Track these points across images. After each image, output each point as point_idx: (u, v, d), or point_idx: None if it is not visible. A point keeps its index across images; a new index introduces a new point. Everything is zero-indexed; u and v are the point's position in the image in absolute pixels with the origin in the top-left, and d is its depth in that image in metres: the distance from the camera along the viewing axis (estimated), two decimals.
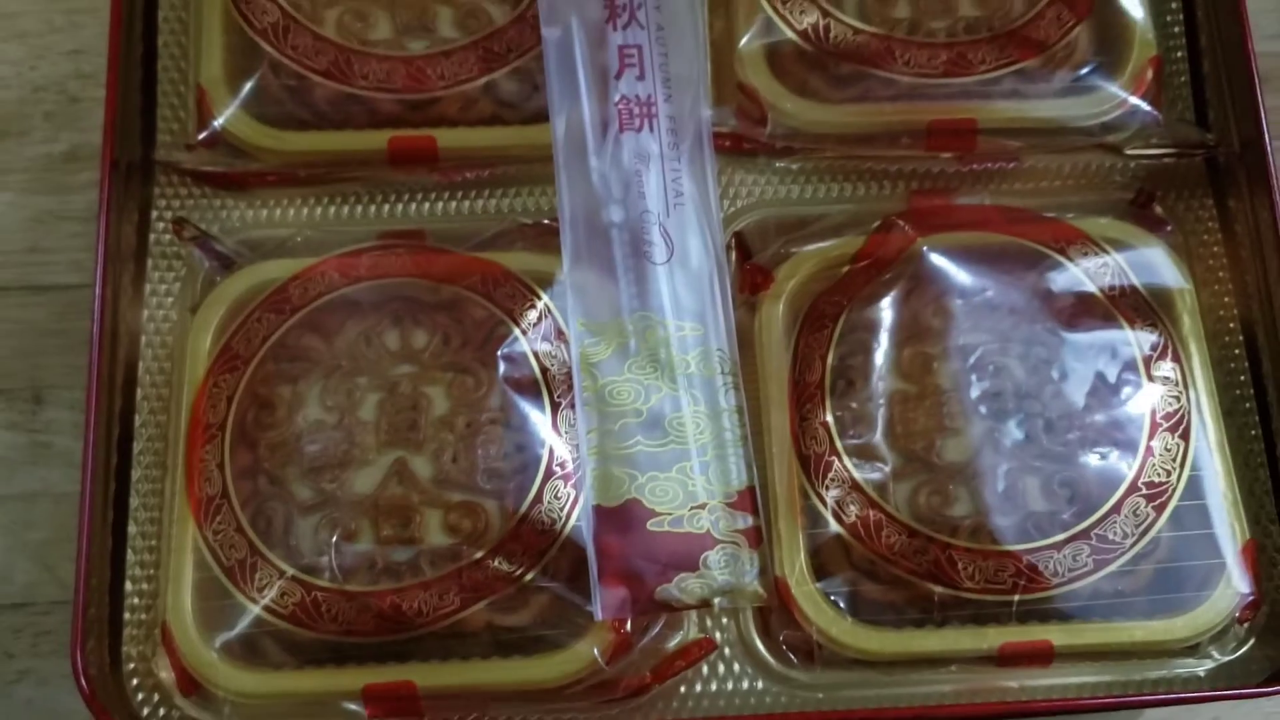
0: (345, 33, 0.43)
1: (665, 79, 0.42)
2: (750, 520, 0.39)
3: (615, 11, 0.42)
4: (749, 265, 0.43)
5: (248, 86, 0.42)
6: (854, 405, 0.40)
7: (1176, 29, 0.45)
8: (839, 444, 0.40)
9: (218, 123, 0.42)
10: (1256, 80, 0.42)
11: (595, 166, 0.42)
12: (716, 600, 0.39)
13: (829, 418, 0.40)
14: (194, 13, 0.44)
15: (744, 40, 0.44)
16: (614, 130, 0.42)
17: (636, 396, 0.40)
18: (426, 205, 0.44)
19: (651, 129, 0.42)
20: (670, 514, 0.39)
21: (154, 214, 0.44)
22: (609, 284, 0.41)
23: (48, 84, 0.51)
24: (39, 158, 0.50)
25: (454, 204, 0.44)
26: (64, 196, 0.49)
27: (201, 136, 0.42)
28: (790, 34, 0.43)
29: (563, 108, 0.42)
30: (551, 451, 0.39)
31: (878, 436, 0.40)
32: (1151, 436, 0.40)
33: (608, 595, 0.38)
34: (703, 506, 0.39)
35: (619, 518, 0.39)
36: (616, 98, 0.42)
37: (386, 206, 0.44)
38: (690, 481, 0.39)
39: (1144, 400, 0.40)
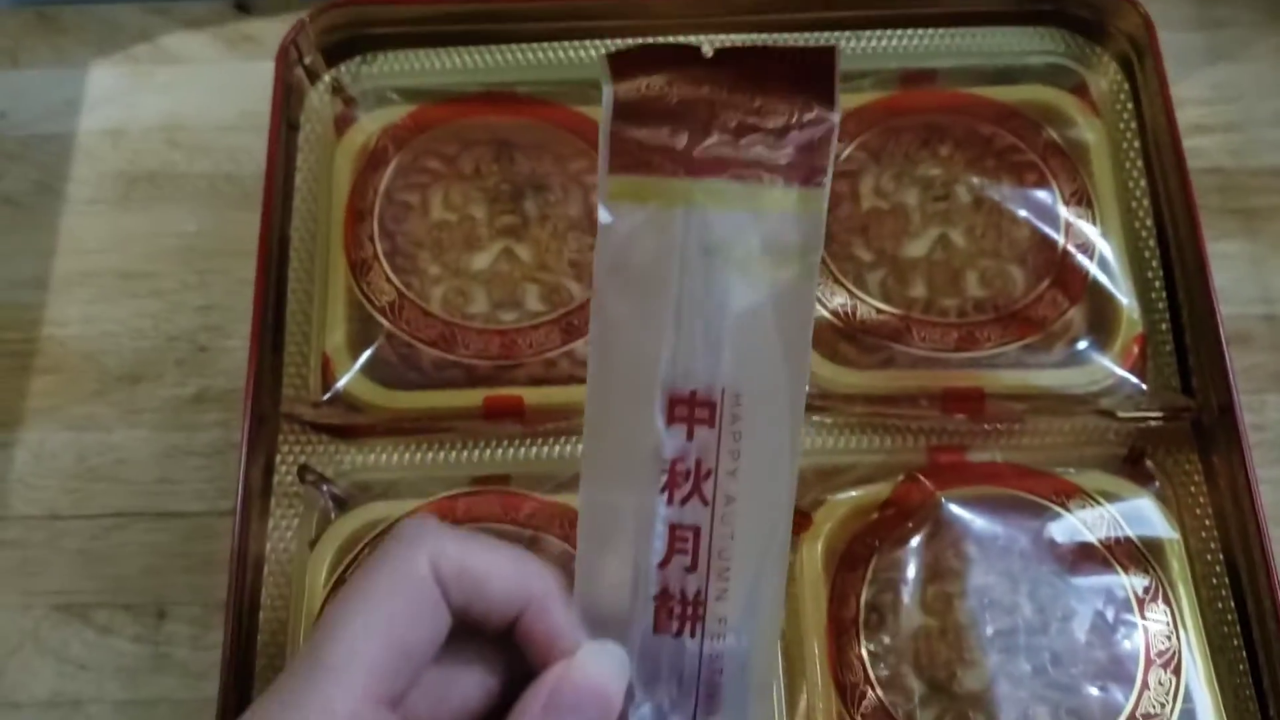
0: (449, 307, 0.50)
1: (724, 570, 0.32)
2: None
3: (674, 481, 0.32)
4: None
5: (367, 355, 0.50)
6: (885, 639, 0.46)
7: (1160, 305, 0.52)
8: (872, 674, 0.45)
9: (339, 385, 0.49)
10: (1226, 352, 0.48)
11: None
12: None
13: (863, 651, 0.46)
14: (319, 288, 0.51)
15: None
16: (645, 628, 0.33)
17: None
18: (512, 451, 0.51)
19: (693, 634, 0.32)
20: None
21: (278, 458, 0.51)
22: None
23: (180, 335, 0.57)
24: (170, 399, 0.56)
25: (535, 450, 0.51)
26: (190, 434, 0.55)
27: (325, 398, 0.50)
28: (823, 312, 0.51)
29: (592, 586, 0.33)
30: None
31: (906, 667, 0.46)
32: (1146, 671, 0.45)
33: None
34: None
35: None
36: (654, 590, 0.32)
37: (478, 452, 0.51)
38: None
39: (1138, 639, 0.45)
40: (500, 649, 0.33)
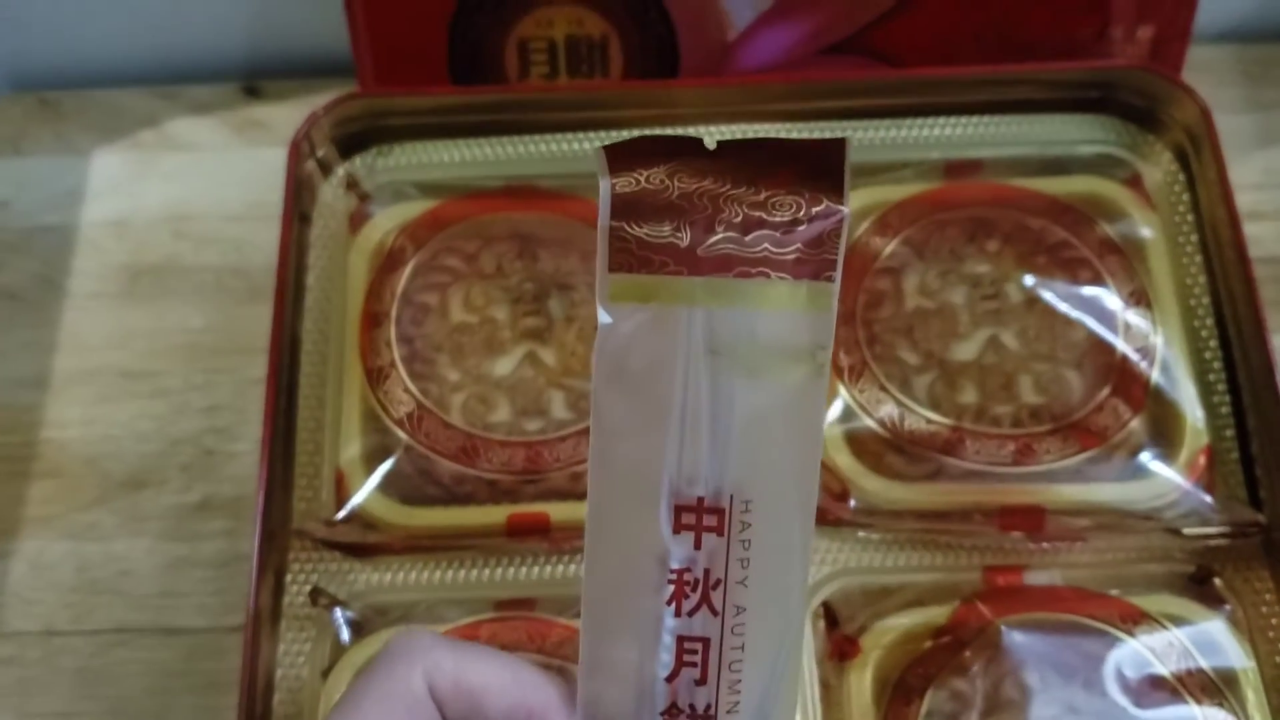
0: (471, 417, 0.48)
1: (734, 683, 0.30)
2: None
3: (681, 591, 0.30)
4: (837, 635, 0.46)
5: (383, 470, 0.47)
6: None
7: (1224, 410, 0.49)
8: None
9: (354, 502, 0.47)
10: None
11: None
12: None
13: None
14: (332, 397, 0.49)
15: (826, 423, 0.48)
16: None
17: None
18: (537, 569, 0.48)
19: None
20: None
21: (288, 577, 0.48)
22: None
23: (184, 438, 0.55)
24: (174, 507, 0.54)
25: (563, 569, 0.48)
26: (195, 544, 0.53)
27: (340, 516, 0.47)
28: (869, 421, 0.48)
29: (594, 696, 0.31)
30: None
31: None
32: None
33: None
34: None
35: None
36: (662, 706, 0.30)
37: (500, 571, 0.48)
38: None
39: None
40: None
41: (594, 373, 0.29)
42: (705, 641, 0.30)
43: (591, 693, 0.31)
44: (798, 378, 0.29)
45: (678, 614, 0.30)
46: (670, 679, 0.30)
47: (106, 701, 0.51)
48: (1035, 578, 0.47)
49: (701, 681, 0.30)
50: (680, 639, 0.30)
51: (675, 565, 0.30)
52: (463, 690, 0.30)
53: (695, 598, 0.30)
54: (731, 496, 0.30)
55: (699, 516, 0.30)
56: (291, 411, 0.50)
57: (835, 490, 0.48)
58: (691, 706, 0.30)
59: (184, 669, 0.51)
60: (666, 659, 0.30)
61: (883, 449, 0.48)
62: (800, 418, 0.29)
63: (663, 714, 0.30)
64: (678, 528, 0.30)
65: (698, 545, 0.30)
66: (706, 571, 0.30)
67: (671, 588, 0.30)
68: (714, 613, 0.30)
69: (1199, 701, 0.43)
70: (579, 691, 0.31)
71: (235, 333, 0.57)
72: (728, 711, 0.30)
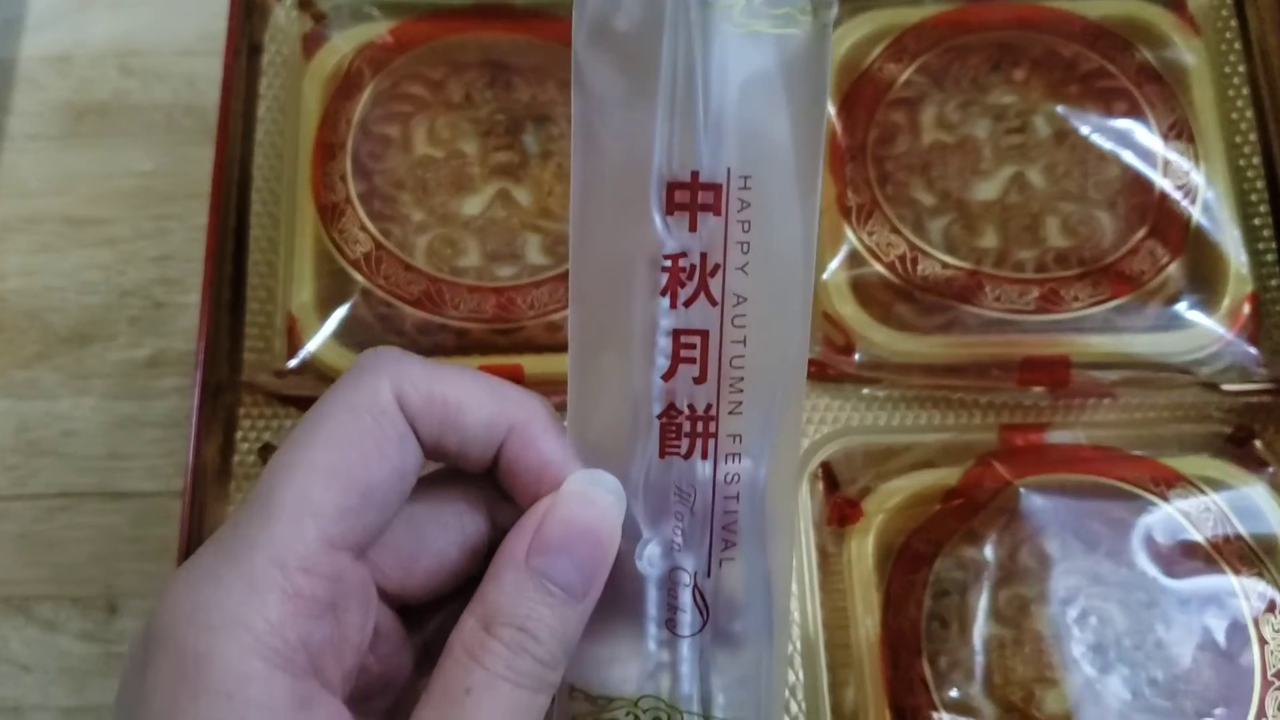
0: (436, 260, 0.43)
1: (737, 380, 0.28)
2: None
3: (676, 279, 0.27)
4: (837, 497, 0.42)
5: (338, 315, 0.43)
6: (950, 652, 0.39)
7: (1270, 256, 0.45)
8: (936, 697, 0.38)
9: (307, 350, 0.42)
10: None
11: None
12: None
13: (926, 670, 0.39)
14: (285, 238, 0.44)
15: (829, 270, 0.43)
16: (650, 454, 0.28)
17: None
18: None
19: (705, 454, 0.28)
20: None
21: (239, 434, 0.44)
22: (622, 645, 0.29)
23: (133, 289, 0.51)
24: (122, 363, 0.50)
25: None
26: (145, 402, 0.50)
27: (291, 365, 0.42)
28: (878, 266, 0.43)
29: (585, 404, 0.28)
30: None
31: (975, 687, 0.39)
32: (1264, 696, 0.38)
33: None
34: None
35: None
36: (659, 407, 0.28)
37: None
38: None
39: (1253, 656, 0.38)
40: (483, 497, 0.29)
41: (574, 37, 0.26)
42: (704, 335, 0.27)
43: (582, 412, 0.28)
44: (800, 35, 0.26)
45: (673, 304, 0.27)
46: (667, 377, 0.28)
47: (50, 569, 0.48)
48: (1058, 437, 0.42)
49: (701, 379, 0.28)
50: (677, 334, 0.27)
51: (669, 251, 0.27)
52: (436, 402, 0.27)
53: (692, 286, 0.27)
54: (729, 170, 0.27)
55: (694, 194, 0.27)
56: (241, 256, 0.46)
57: (839, 343, 0.43)
58: (691, 407, 0.28)
59: (133, 535, 0.48)
60: (662, 358, 0.28)
61: (892, 298, 0.43)
62: (803, 82, 0.27)
63: (660, 416, 0.28)
64: (671, 208, 0.27)
65: (693, 228, 0.27)
66: (704, 256, 0.27)
67: (666, 277, 0.27)
68: (712, 302, 0.27)
69: (1235, 571, 0.40)
70: (569, 412, 0.28)
71: (188, 176, 0.53)
72: (729, 412, 0.28)
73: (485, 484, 0.29)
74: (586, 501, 0.28)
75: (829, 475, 0.43)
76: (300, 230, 0.44)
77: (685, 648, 0.29)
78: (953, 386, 0.43)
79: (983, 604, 0.39)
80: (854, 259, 0.43)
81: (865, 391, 0.44)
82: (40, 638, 0.47)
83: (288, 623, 0.25)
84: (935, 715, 0.38)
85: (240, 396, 0.45)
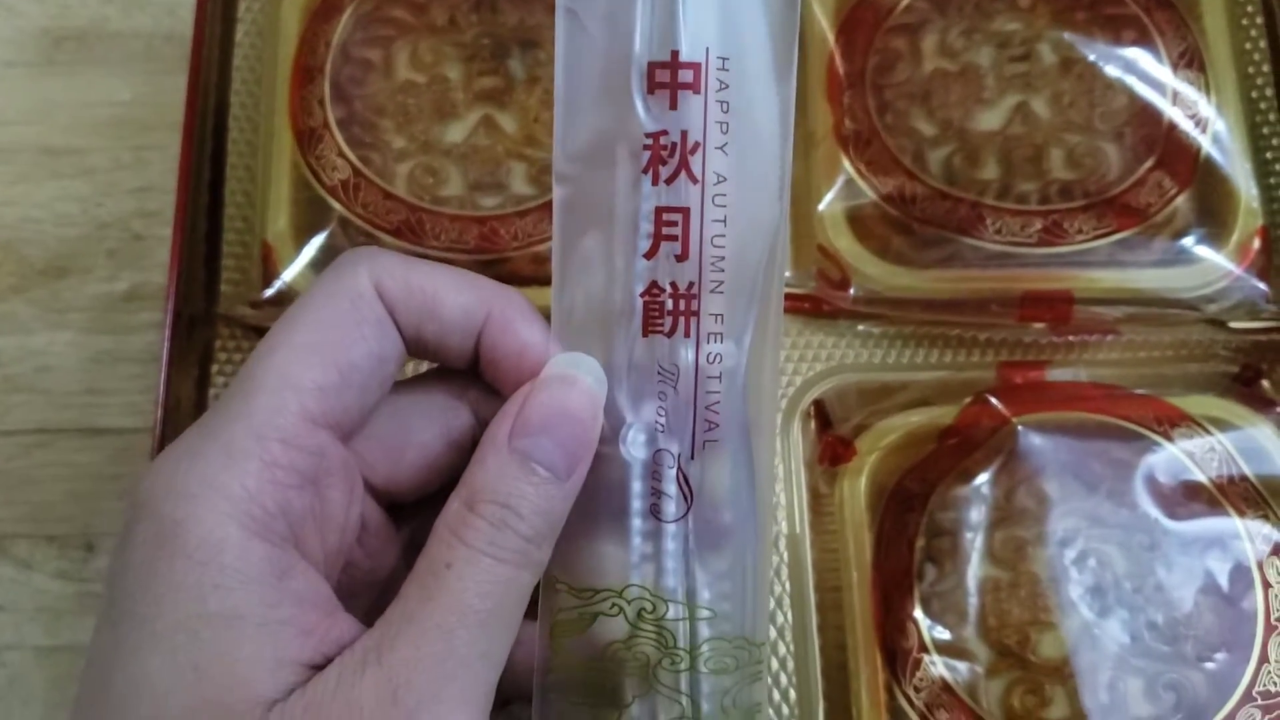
0: (417, 189, 0.42)
1: (719, 259, 0.28)
2: None
3: (658, 157, 0.28)
4: (829, 436, 0.41)
5: (315, 243, 0.41)
6: (943, 594, 0.38)
7: None
8: (928, 639, 0.37)
9: (283, 280, 0.41)
10: None
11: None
12: None
13: (918, 612, 0.37)
14: (262, 165, 0.43)
15: (825, 201, 0.42)
16: (633, 333, 0.29)
17: (613, 689, 0.30)
18: None
19: (688, 333, 0.28)
20: None
21: (214, 367, 0.43)
22: (606, 537, 0.29)
23: (113, 221, 0.50)
24: (100, 296, 0.49)
25: None
26: (122, 336, 0.48)
27: (267, 294, 0.41)
28: (875, 196, 0.42)
29: (569, 287, 0.29)
30: None
31: (969, 630, 0.37)
32: (1267, 640, 0.37)
33: None
34: None
35: None
36: (642, 286, 0.29)
37: None
38: None
39: (1257, 600, 0.37)
40: (468, 394, 0.30)
41: None
42: (685, 212, 0.28)
43: (566, 296, 0.29)
44: None
45: (655, 182, 0.28)
46: (649, 255, 0.28)
47: (26, 507, 0.47)
48: (1058, 376, 0.41)
49: (683, 256, 0.28)
50: (659, 211, 0.28)
51: (650, 129, 0.28)
52: (414, 291, 0.28)
53: (673, 164, 0.28)
54: (707, 50, 0.27)
55: (674, 73, 0.27)
56: (218, 185, 0.44)
57: (834, 278, 0.42)
58: (673, 285, 0.28)
59: (110, 472, 0.47)
60: (645, 241, 0.28)
61: (889, 231, 0.42)
62: None
63: (642, 295, 0.28)
64: (651, 87, 0.28)
65: (673, 105, 0.27)
66: (684, 134, 0.28)
67: (647, 155, 0.28)
68: (693, 179, 0.28)
69: (1240, 513, 0.38)
70: (553, 299, 0.29)
71: (168, 106, 0.51)
72: (711, 290, 0.28)
73: (470, 381, 0.30)
74: (568, 383, 0.28)
75: (821, 414, 0.41)
76: (277, 156, 0.42)
77: (670, 536, 0.29)
78: (950, 323, 0.42)
79: (978, 545, 0.38)
80: (851, 189, 0.42)
81: (860, 329, 0.43)
82: (16, 576, 0.46)
83: (266, 491, 0.26)
84: (926, 658, 0.37)
85: (217, 330, 0.43)
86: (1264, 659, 0.37)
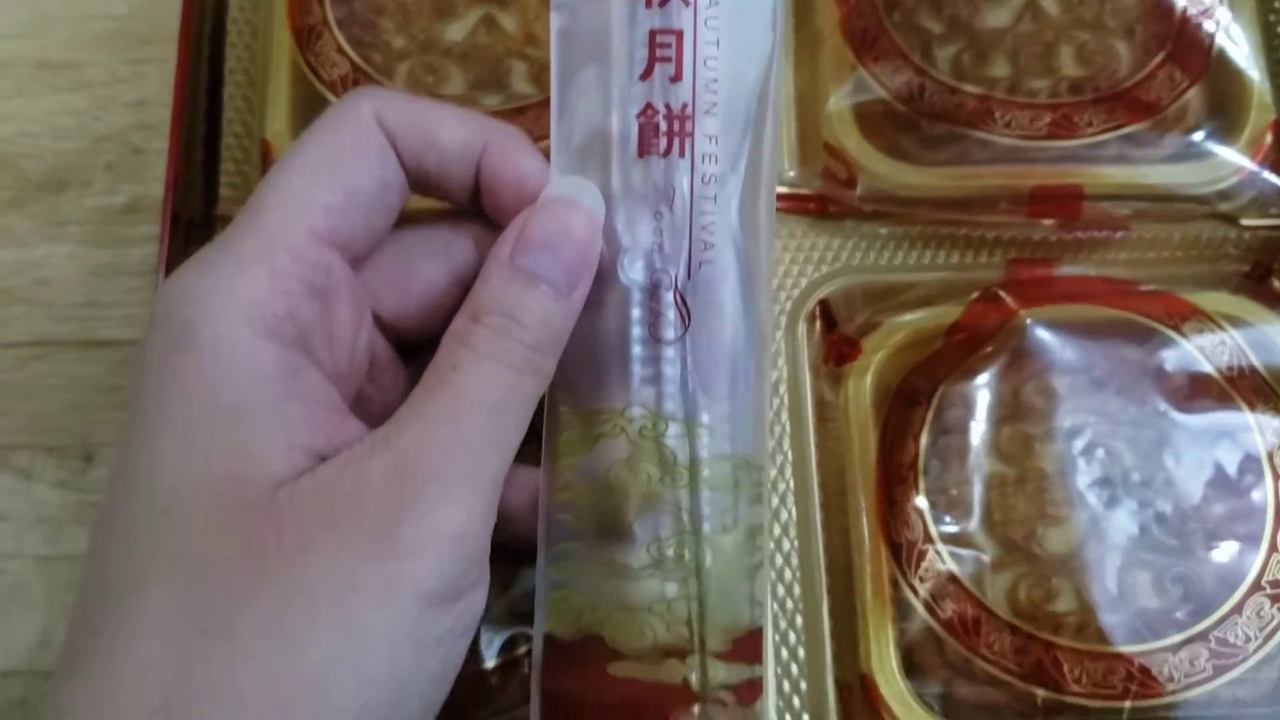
0: (416, 87, 0.41)
1: (712, 81, 0.29)
2: (750, 671, 0.31)
3: None
4: (834, 335, 0.40)
5: None
6: (948, 489, 0.37)
7: None
8: (933, 531, 0.37)
9: None
10: None
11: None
12: None
13: (923, 503, 0.37)
14: (260, 63, 0.42)
15: (833, 99, 0.41)
16: (630, 151, 0.30)
17: (615, 510, 0.30)
18: None
19: (682, 153, 0.29)
20: (638, 658, 0.30)
21: None
22: (607, 358, 0.30)
23: (110, 134, 0.49)
24: (98, 209, 0.48)
25: None
26: (122, 249, 0.48)
27: None
28: (882, 93, 0.41)
29: (567, 115, 0.30)
30: None
31: (974, 523, 0.37)
32: (1276, 531, 0.36)
33: None
34: (681, 655, 0.30)
35: (574, 654, 0.30)
36: (637, 108, 0.29)
37: None
38: (670, 620, 0.30)
39: (1266, 490, 0.37)
40: (472, 230, 0.31)
41: None
42: (678, 34, 0.29)
43: (564, 127, 0.30)
44: None
45: (648, 4, 0.29)
46: (644, 76, 0.29)
47: (24, 418, 0.46)
48: (1068, 272, 0.41)
49: (677, 77, 0.29)
50: (653, 34, 0.29)
51: None
52: (414, 124, 0.29)
53: None
54: None
55: None
56: (216, 89, 0.44)
57: (840, 176, 0.41)
58: (668, 106, 0.29)
59: (109, 384, 0.47)
60: (640, 60, 0.29)
61: (896, 129, 0.41)
62: None
63: (638, 116, 0.29)
64: None
65: None
66: None
67: None
68: (685, 1, 0.29)
69: (1251, 406, 0.38)
70: (552, 130, 0.30)
71: (167, 18, 0.49)
72: (705, 112, 0.29)
73: (473, 219, 0.31)
74: (567, 203, 0.29)
75: (826, 314, 0.41)
76: (276, 55, 0.42)
77: (669, 357, 0.30)
78: (958, 221, 0.41)
79: (984, 440, 0.38)
80: (857, 86, 0.41)
81: (866, 229, 0.42)
82: (16, 486, 0.46)
83: (275, 296, 0.27)
84: (931, 549, 0.37)
85: (216, 232, 0.43)
86: (1274, 548, 0.36)
